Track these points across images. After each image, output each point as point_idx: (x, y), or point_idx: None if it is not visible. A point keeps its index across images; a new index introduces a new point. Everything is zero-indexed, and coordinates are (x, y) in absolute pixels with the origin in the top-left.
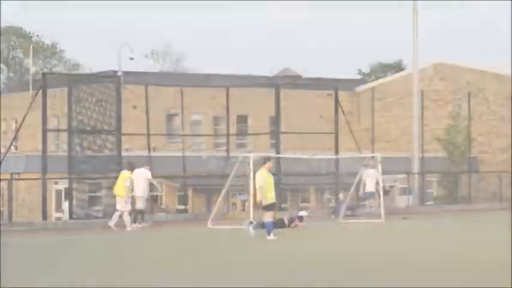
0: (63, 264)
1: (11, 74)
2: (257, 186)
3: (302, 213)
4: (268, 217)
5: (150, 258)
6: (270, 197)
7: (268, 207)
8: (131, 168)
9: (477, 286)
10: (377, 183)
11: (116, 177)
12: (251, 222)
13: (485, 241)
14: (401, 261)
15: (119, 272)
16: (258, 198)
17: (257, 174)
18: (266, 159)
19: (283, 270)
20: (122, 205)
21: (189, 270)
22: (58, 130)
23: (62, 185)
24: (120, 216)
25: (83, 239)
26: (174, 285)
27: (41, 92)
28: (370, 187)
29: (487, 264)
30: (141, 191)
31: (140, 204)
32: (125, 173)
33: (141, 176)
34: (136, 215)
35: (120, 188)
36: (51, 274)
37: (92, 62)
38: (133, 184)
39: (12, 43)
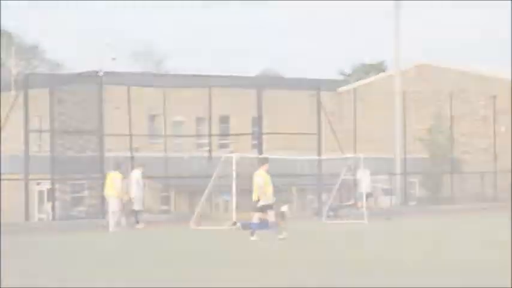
0: (46, 264)
1: None
2: (256, 186)
3: (283, 208)
4: (256, 218)
5: (131, 258)
6: (269, 197)
7: (262, 208)
8: (118, 168)
9: (477, 286)
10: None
11: (99, 178)
12: (235, 223)
13: (474, 241)
14: (398, 261)
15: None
16: (256, 197)
17: (256, 174)
18: (264, 161)
19: (271, 269)
20: (114, 205)
21: (168, 271)
22: (40, 131)
23: (44, 186)
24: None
25: (65, 239)
26: (152, 285)
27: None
28: (367, 187)
29: (483, 264)
30: (134, 192)
31: (136, 206)
32: (112, 174)
33: (134, 178)
34: (127, 215)
35: (109, 188)
36: (36, 274)
37: (74, 62)
38: (128, 185)
39: None
